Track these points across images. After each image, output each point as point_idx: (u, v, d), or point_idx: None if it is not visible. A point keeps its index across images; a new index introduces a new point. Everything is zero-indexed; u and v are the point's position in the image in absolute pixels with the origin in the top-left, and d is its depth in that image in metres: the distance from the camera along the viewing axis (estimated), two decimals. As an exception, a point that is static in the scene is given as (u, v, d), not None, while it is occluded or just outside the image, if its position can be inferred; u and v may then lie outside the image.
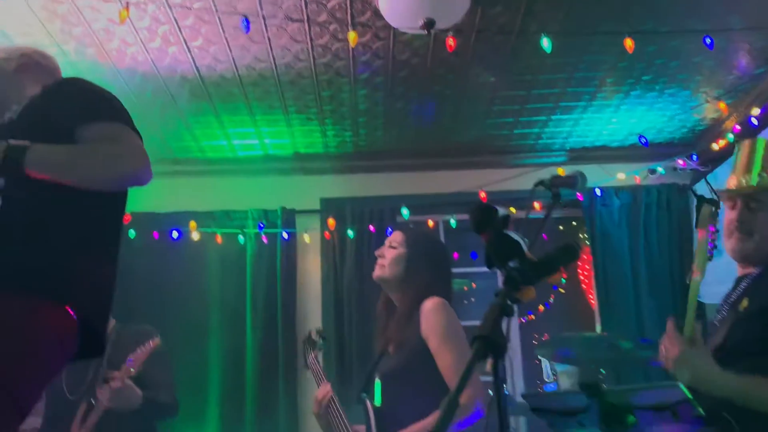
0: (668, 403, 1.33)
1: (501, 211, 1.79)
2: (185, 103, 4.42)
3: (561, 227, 6.12)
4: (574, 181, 2.01)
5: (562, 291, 7.90)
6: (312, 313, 5.15)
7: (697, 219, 1.97)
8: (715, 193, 2.02)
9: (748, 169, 2.07)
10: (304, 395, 4.84)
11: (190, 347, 4.75)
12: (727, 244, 2.08)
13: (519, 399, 4.56)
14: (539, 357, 4.71)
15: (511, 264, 1.64)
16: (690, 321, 1.74)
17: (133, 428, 3.12)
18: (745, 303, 1.89)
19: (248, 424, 4.76)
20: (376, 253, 2.81)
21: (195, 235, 5.07)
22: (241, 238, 5.13)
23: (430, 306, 2.62)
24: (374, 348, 2.93)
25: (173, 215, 5.12)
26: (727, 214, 2.10)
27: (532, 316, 8.18)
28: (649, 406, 1.35)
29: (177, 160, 5.20)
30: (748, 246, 2.03)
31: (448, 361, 2.48)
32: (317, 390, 2.80)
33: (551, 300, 8.19)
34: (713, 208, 1.94)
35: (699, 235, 1.93)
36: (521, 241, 1.71)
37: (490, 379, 1.71)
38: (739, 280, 2.10)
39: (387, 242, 2.83)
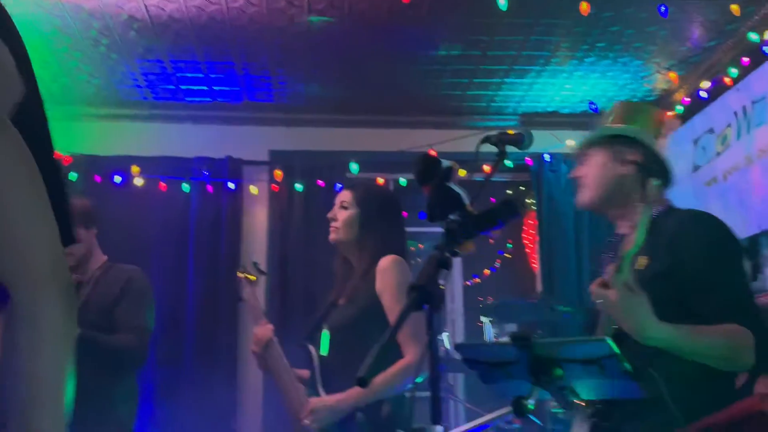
0: (595, 358, 1.34)
1: (445, 162, 1.77)
2: (132, 44, 4.28)
3: (509, 191, 6.15)
4: (521, 138, 1.99)
5: (509, 256, 7.96)
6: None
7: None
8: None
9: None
10: (244, 349, 4.81)
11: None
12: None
13: (457, 356, 4.60)
14: (481, 319, 4.77)
15: (452, 217, 1.63)
16: (626, 267, 1.75)
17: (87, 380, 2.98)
18: (643, 261, 1.88)
19: (186, 370, 4.73)
20: (329, 216, 2.76)
21: (138, 181, 4.96)
22: (185, 186, 5.04)
23: (386, 263, 2.60)
24: (321, 303, 2.91)
25: (116, 159, 5.00)
26: None
27: (478, 280, 8.24)
28: (577, 360, 1.36)
29: (122, 102, 5.06)
30: (580, 197, 2.16)
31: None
32: (256, 327, 2.77)
33: (497, 264, 8.26)
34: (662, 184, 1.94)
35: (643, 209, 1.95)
36: (463, 194, 1.69)
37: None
38: (622, 238, 2.11)
39: (337, 202, 2.78)
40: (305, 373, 2.67)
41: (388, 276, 2.57)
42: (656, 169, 2.09)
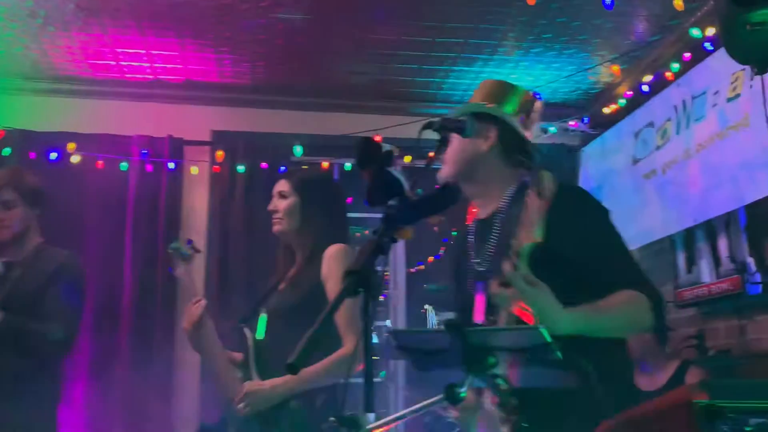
0: (528, 346, 1.34)
1: (385, 147, 1.75)
2: (71, 16, 4.14)
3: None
4: (463, 125, 1.98)
5: (452, 243, 8.00)
6: (196, 248, 5.01)
7: (539, 189, 1.96)
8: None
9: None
10: (181, 332, 4.72)
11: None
12: None
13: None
14: (425, 306, 4.79)
15: (391, 202, 1.61)
16: (523, 262, 1.73)
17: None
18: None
19: (123, 352, 4.63)
20: (269, 208, 2.73)
21: (75, 158, 4.81)
22: (123, 165, 4.91)
23: (333, 251, 2.60)
24: (261, 286, 2.88)
25: (52, 135, 4.84)
26: None
27: (422, 267, 8.26)
28: (510, 348, 1.35)
29: (59, 77, 4.90)
30: (440, 172, 2.10)
31: (342, 307, 2.46)
32: (188, 305, 2.70)
33: (441, 252, 8.29)
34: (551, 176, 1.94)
35: (535, 203, 1.92)
36: (403, 180, 1.68)
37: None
38: (485, 223, 2.08)
39: (275, 192, 2.74)
40: (238, 356, 2.64)
41: (334, 263, 2.56)
42: (514, 147, 2.08)
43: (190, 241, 2.96)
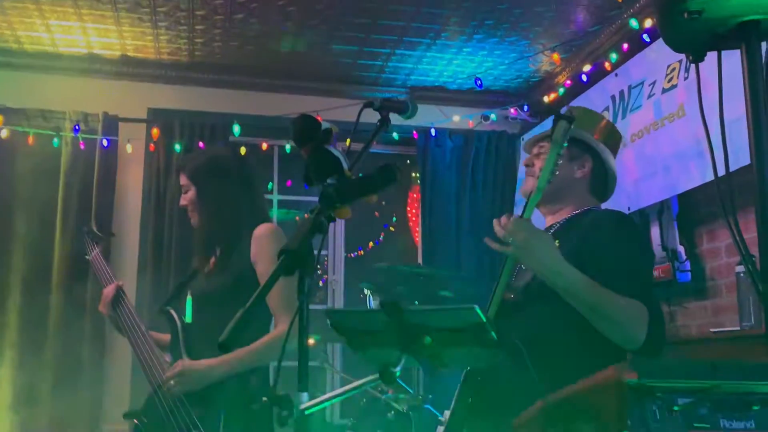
0: (463, 326, 1.33)
1: (324, 125, 1.72)
2: (0, -16, 3.98)
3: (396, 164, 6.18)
4: (404, 107, 1.97)
5: (392, 229, 8.02)
6: (129, 229, 4.90)
7: (552, 133, 1.99)
8: (571, 113, 2.06)
9: None
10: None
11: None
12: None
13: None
14: (364, 291, 4.76)
15: (329, 180, 1.58)
16: (530, 209, 1.87)
17: None
18: (555, 243, 1.95)
19: (50, 337, 4.51)
20: (180, 204, 2.67)
21: (3, 132, 4.64)
22: (56, 140, 4.76)
23: (262, 231, 2.54)
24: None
25: (-20, 108, 4.66)
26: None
27: (362, 252, 8.26)
28: (446, 328, 1.35)
29: (-11, 48, 4.72)
30: (526, 185, 2.16)
31: (274, 288, 2.42)
32: (105, 288, 2.64)
33: (381, 238, 8.30)
34: (569, 125, 1.96)
35: (547, 148, 1.98)
36: (342, 158, 1.65)
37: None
38: (546, 230, 2.17)
39: (182, 186, 2.68)
40: (165, 337, 2.58)
41: (264, 244, 2.51)
42: (603, 180, 2.19)
43: (100, 225, 2.90)
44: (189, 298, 2.57)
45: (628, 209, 4.14)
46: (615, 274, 1.87)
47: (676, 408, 1.23)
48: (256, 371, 2.46)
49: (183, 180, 2.64)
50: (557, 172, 2.00)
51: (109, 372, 4.64)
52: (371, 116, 1.86)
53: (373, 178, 1.61)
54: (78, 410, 4.40)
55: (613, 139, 2.24)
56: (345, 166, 1.63)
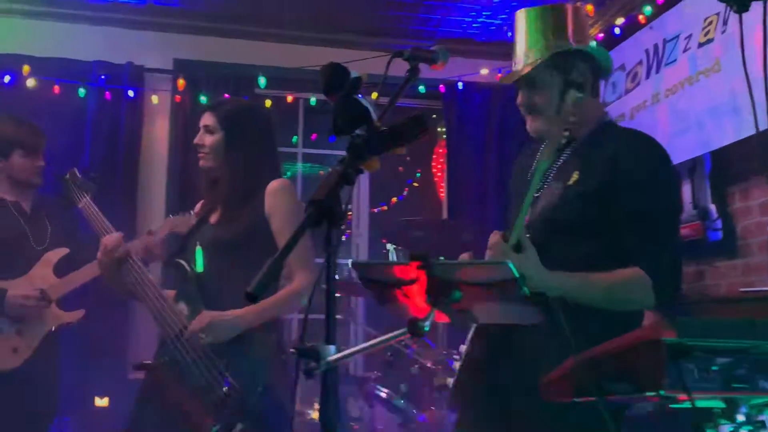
0: (494, 281, 1.30)
1: (354, 73, 1.68)
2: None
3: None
4: (435, 56, 1.90)
5: (416, 185, 7.97)
6: (156, 181, 4.91)
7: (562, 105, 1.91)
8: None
9: (521, 48, 2.01)
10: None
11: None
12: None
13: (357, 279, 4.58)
14: (386, 246, 4.74)
15: (358, 131, 1.54)
16: (520, 224, 1.73)
17: None
18: (575, 176, 1.87)
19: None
20: (195, 142, 2.62)
21: (30, 82, 4.62)
22: (81, 91, 4.74)
23: (277, 186, 2.54)
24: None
25: (6, 57, 4.64)
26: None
27: (385, 207, 8.23)
28: (476, 282, 1.32)
29: (14, -4, 4.69)
30: (538, 125, 1.99)
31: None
32: (104, 237, 2.59)
33: (405, 193, 8.25)
34: (578, 95, 1.89)
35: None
36: (371, 108, 1.61)
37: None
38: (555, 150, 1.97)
39: (201, 125, 2.62)
40: (170, 292, 2.57)
41: (280, 199, 2.52)
42: (601, 75, 2.02)
43: (85, 171, 2.86)
44: (198, 248, 2.55)
45: (660, 166, 4.05)
46: (631, 229, 1.82)
47: (714, 368, 1.19)
48: (270, 327, 2.47)
49: (209, 120, 2.60)
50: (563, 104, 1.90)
51: (137, 325, 4.67)
52: (395, 68, 1.80)
53: (403, 129, 1.57)
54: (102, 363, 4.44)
55: (580, 22, 2.02)
56: (374, 116, 1.59)
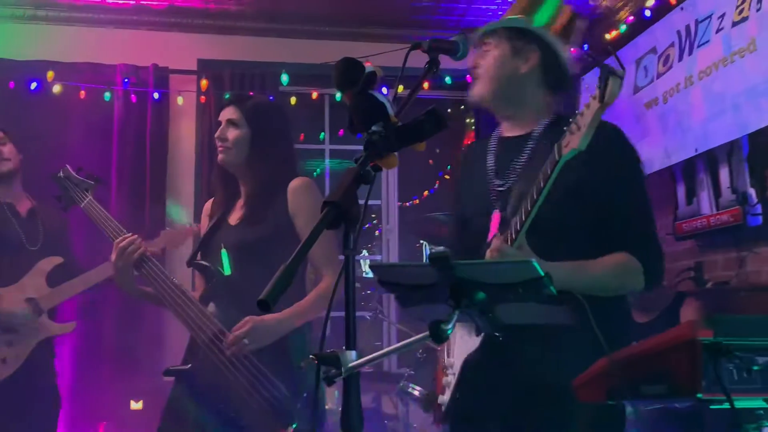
0: (519, 281, 1.24)
1: (368, 67, 1.62)
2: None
3: (449, 110, 6.03)
4: (455, 47, 1.84)
5: (447, 177, 7.89)
6: (184, 182, 4.90)
7: (600, 90, 1.82)
8: (622, 67, 1.89)
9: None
10: (176, 269, 4.63)
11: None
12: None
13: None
14: (421, 240, 4.68)
15: (374, 128, 1.49)
16: (526, 226, 1.71)
17: None
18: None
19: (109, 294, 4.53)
20: (217, 135, 2.55)
21: (56, 88, 4.65)
22: (107, 95, 4.75)
23: (300, 184, 2.51)
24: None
25: (32, 64, 4.66)
26: None
27: (417, 201, 8.16)
28: (500, 283, 1.26)
29: (38, 3, 4.72)
30: (474, 90, 2.03)
31: (318, 243, 2.37)
32: (116, 241, 2.49)
33: (436, 186, 8.17)
34: (621, 81, 1.81)
35: (594, 106, 1.71)
36: (387, 103, 1.55)
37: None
38: (514, 141, 2.01)
39: (223, 120, 2.56)
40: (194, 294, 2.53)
41: (303, 198, 2.48)
42: (555, 72, 2.00)
43: (79, 169, 2.71)
44: (223, 250, 2.51)
45: (696, 150, 3.94)
46: (614, 219, 1.84)
47: (755, 368, 1.12)
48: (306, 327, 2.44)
49: (234, 114, 2.55)
50: (501, 72, 1.94)
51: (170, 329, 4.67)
52: (419, 60, 1.74)
53: (420, 124, 1.51)
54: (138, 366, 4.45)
55: (570, 29, 2.04)
56: (391, 112, 1.53)
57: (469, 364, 1.85)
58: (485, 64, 2.00)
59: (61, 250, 3.32)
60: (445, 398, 1.94)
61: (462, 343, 1.91)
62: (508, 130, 2.06)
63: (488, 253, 1.73)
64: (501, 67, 1.97)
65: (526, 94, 2.00)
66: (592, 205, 1.83)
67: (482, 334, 1.79)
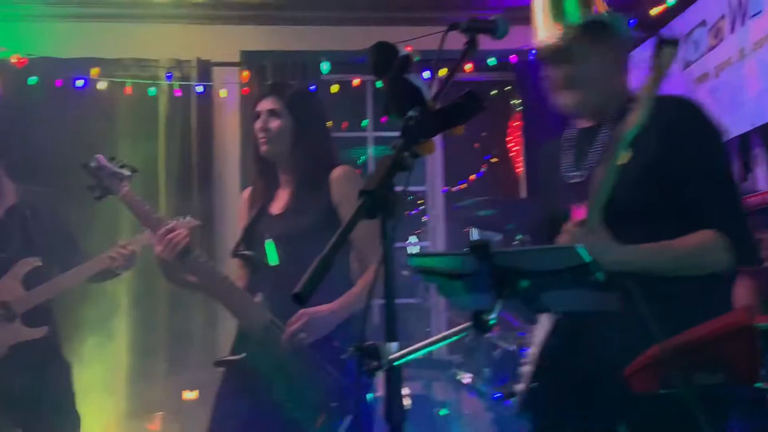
0: (564, 267, 1.19)
1: (402, 51, 1.58)
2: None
3: (493, 92, 5.93)
4: (494, 26, 1.77)
5: (495, 160, 7.79)
6: (230, 175, 4.92)
7: (657, 62, 1.77)
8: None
9: (554, 17, 2.00)
10: (223, 260, 4.66)
11: (98, 212, 4.43)
12: (557, 100, 2.00)
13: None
14: (469, 227, 4.61)
15: (410, 113, 1.45)
16: (599, 204, 1.66)
17: None
18: (626, 156, 1.73)
19: (159, 288, 4.58)
20: (257, 127, 2.52)
21: (102, 84, 4.70)
22: (152, 89, 4.78)
23: (342, 173, 2.50)
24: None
25: (78, 61, 4.71)
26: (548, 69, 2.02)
27: (465, 185, 8.08)
28: (544, 270, 1.21)
29: (82, 1, 4.77)
30: (571, 98, 1.94)
31: (363, 231, 2.35)
32: (161, 229, 2.41)
33: (483, 169, 8.08)
34: (675, 50, 1.75)
35: (651, 80, 1.68)
36: (423, 88, 1.50)
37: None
38: (588, 132, 1.98)
39: (263, 110, 2.52)
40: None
41: (347, 186, 2.45)
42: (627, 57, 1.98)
43: (113, 159, 2.59)
44: (269, 241, 2.49)
45: (752, 125, 3.80)
46: (700, 193, 1.78)
47: (818, 355, 1.06)
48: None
49: (275, 104, 2.51)
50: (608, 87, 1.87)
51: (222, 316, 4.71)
52: (460, 42, 1.68)
53: (456, 108, 1.46)
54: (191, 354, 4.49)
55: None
56: (427, 96, 1.49)
57: (544, 352, 1.80)
58: (586, 73, 1.91)
59: (44, 250, 3.13)
60: (521, 387, 1.89)
61: (540, 332, 1.85)
62: (583, 121, 2.02)
63: (559, 238, 1.68)
64: (608, 82, 1.91)
65: (613, 89, 1.95)
66: (672, 184, 1.77)
67: (554, 320, 1.75)
